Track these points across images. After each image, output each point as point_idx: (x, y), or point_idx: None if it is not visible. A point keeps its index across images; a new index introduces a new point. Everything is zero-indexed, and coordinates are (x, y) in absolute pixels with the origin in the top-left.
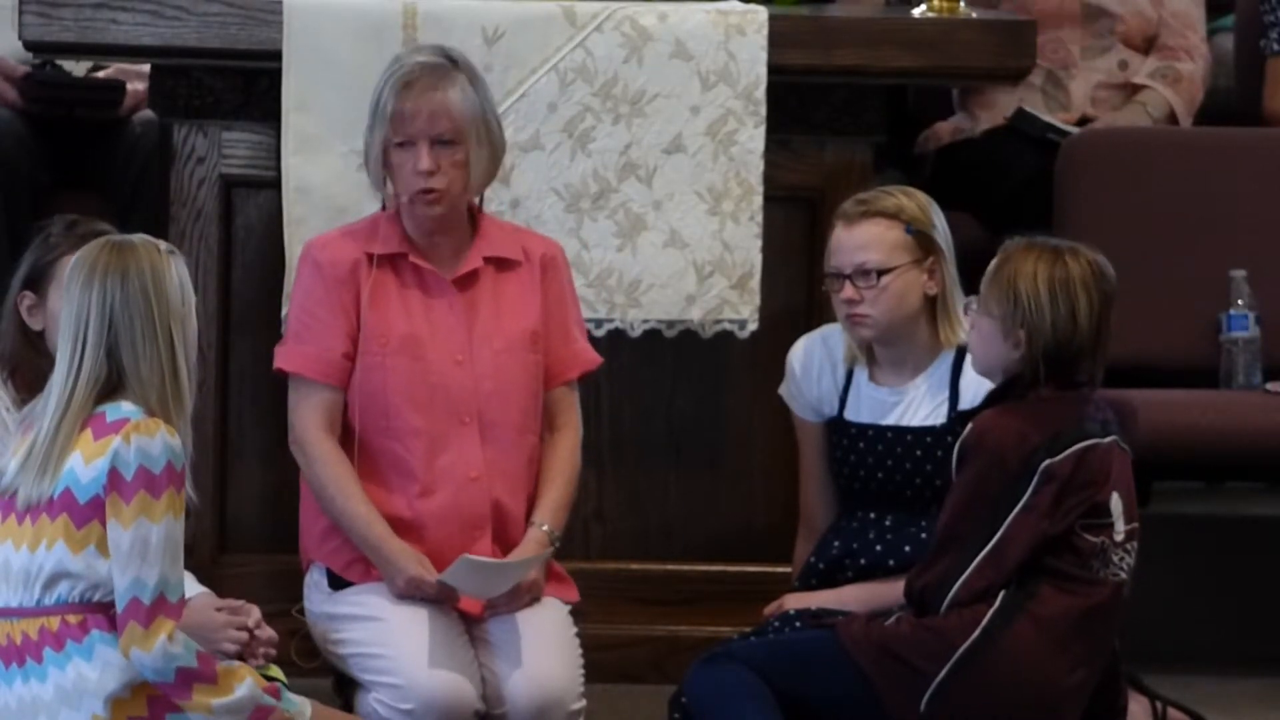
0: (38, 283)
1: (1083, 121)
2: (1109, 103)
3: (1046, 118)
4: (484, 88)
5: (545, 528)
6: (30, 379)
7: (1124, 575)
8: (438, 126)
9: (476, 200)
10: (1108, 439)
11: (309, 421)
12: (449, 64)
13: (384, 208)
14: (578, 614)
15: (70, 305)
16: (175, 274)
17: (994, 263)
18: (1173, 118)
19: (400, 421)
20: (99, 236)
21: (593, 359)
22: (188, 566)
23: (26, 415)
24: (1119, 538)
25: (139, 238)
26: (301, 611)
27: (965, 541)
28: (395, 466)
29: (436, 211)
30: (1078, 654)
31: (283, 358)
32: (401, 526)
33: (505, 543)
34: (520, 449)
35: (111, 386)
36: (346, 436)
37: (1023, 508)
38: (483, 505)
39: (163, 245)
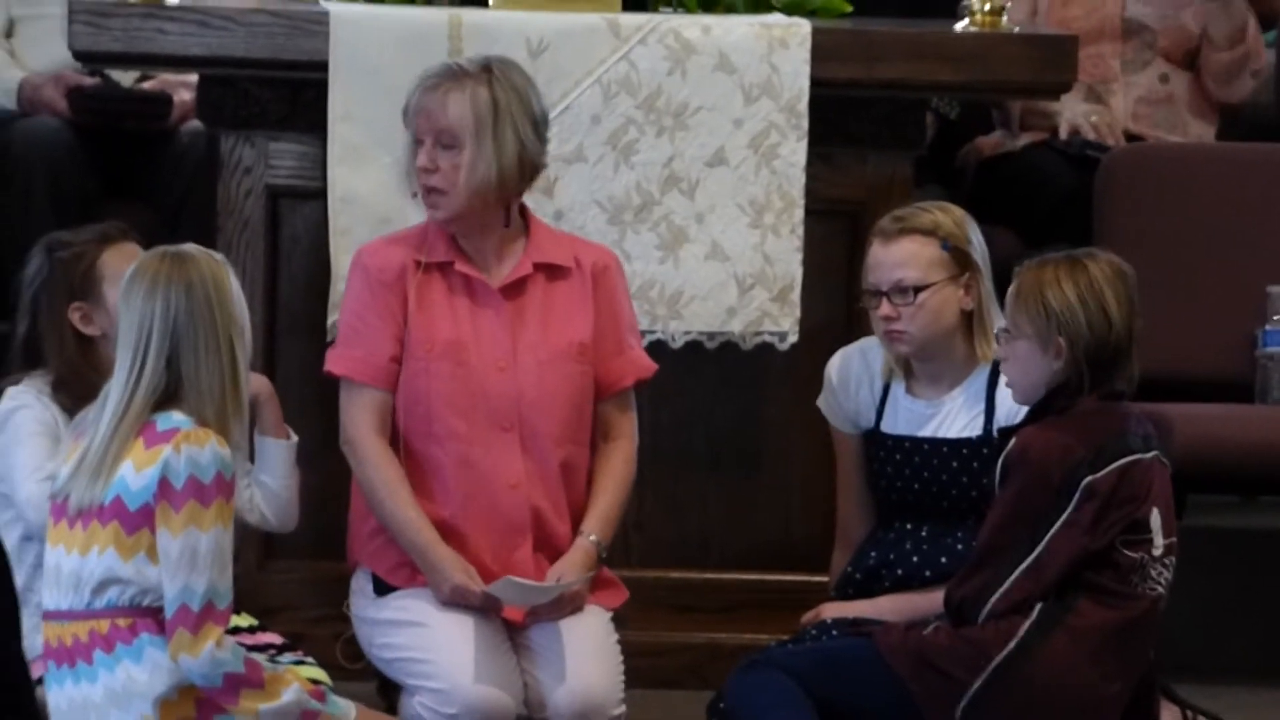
0: (84, 291)
1: (1126, 135)
2: (1150, 118)
3: (1088, 132)
4: (515, 97)
5: (593, 538)
6: (78, 391)
7: (1161, 589)
8: (437, 126)
9: (515, 205)
10: (1150, 454)
11: (359, 422)
12: (470, 70)
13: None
14: (618, 621)
15: (131, 315)
16: (234, 284)
17: (1013, 286)
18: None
19: (442, 426)
20: (104, 238)
21: (648, 366)
22: (234, 573)
23: (79, 423)
24: (1158, 552)
25: (194, 248)
26: (348, 609)
27: (1005, 554)
28: (437, 471)
29: (438, 214)
30: (1114, 667)
31: (332, 361)
32: (443, 531)
33: (547, 549)
34: (560, 460)
35: (167, 396)
36: (392, 440)
37: (1064, 523)
38: (522, 513)
39: (218, 256)
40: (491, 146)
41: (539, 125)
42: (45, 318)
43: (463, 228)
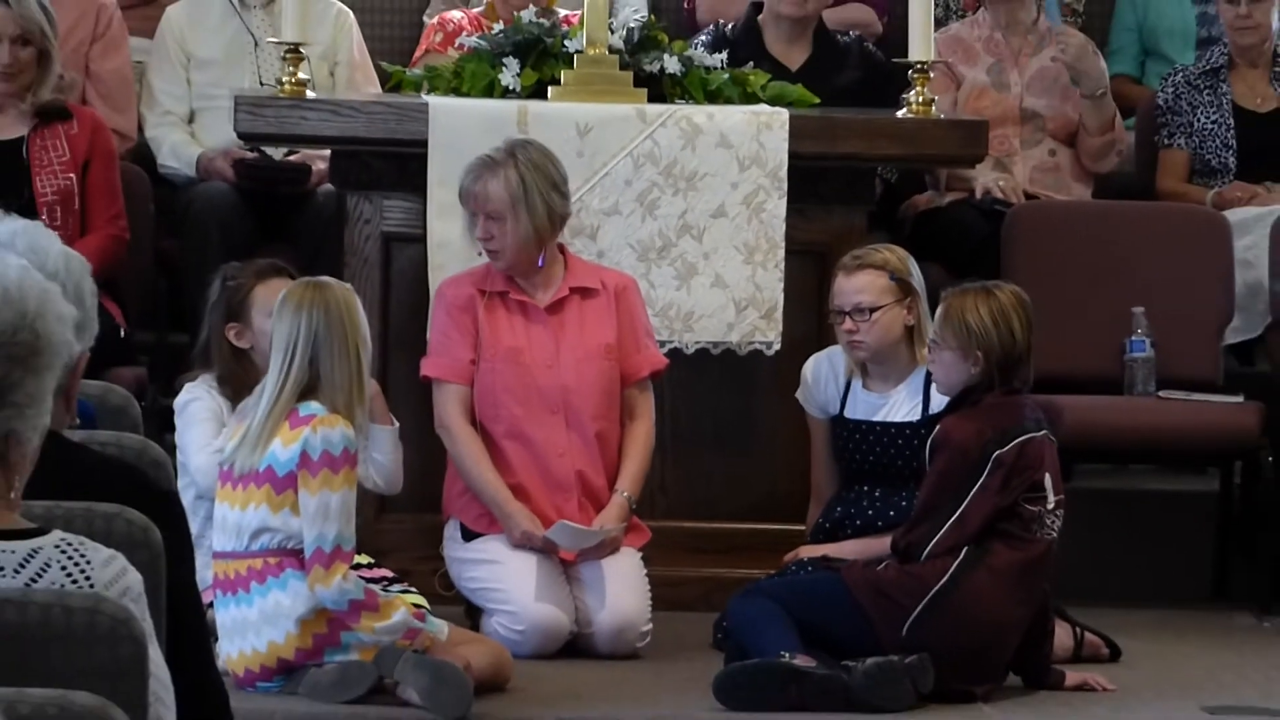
0: (238, 314)
1: (1025, 195)
2: (1043, 182)
3: (996, 193)
4: (535, 173)
5: (626, 494)
6: (234, 387)
7: (1054, 534)
8: (484, 207)
9: (554, 245)
10: (1041, 433)
11: (450, 411)
12: (499, 158)
13: None
14: (647, 560)
15: (283, 326)
16: (359, 306)
17: (940, 309)
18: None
19: (505, 412)
20: (263, 272)
21: (660, 360)
22: (356, 524)
23: (241, 409)
24: (1050, 506)
25: (329, 279)
26: (442, 550)
27: (937, 511)
28: (503, 445)
29: (499, 264)
30: (1020, 595)
31: (427, 367)
32: (512, 491)
33: (591, 502)
34: (596, 432)
35: (308, 389)
36: (472, 422)
37: (980, 487)
38: (569, 475)
39: (347, 285)
40: (525, 213)
41: (559, 187)
42: (213, 332)
43: (517, 270)
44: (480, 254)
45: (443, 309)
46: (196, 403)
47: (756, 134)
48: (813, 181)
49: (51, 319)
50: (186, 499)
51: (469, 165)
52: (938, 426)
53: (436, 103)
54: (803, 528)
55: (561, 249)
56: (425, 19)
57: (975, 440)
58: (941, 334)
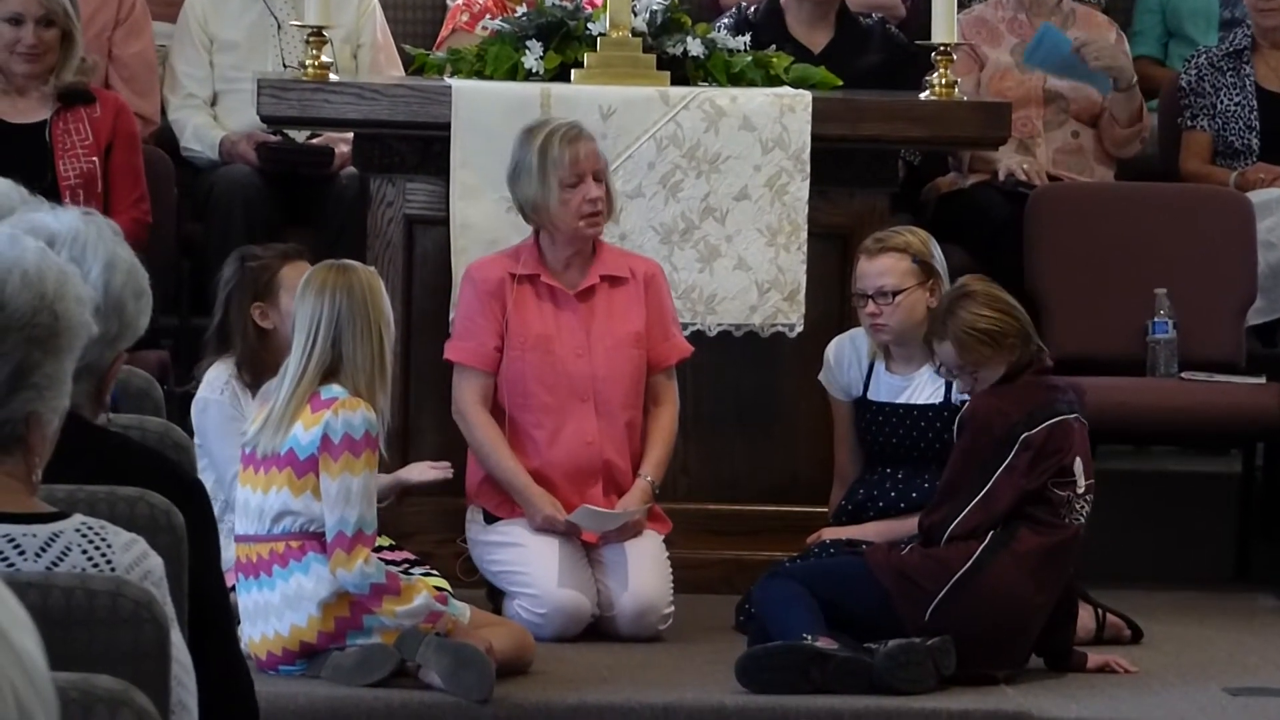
0: (263, 295)
1: (1048, 177)
2: (1066, 164)
3: (1019, 175)
4: None
5: (649, 479)
6: (256, 370)
7: (1083, 520)
8: (596, 164)
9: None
10: (1071, 415)
11: (468, 397)
12: (582, 127)
13: (537, 235)
14: (669, 542)
15: (306, 308)
16: (382, 289)
17: (950, 344)
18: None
19: (535, 400)
20: (285, 255)
21: (686, 349)
22: (379, 507)
23: (264, 392)
24: (1080, 490)
25: (352, 262)
26: (464, 540)
27: (962, 492)
28: (531, 432)
29: (598, 230)
30: (1045, 580)
31: (450, 351)
32: (536, 477)
33: (616, 489)
34: (625, 421)
35: (330, 371)
36: (496, 411)
37: (1006, 468)
38: (596, 462)
39: (370, 267)
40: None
41: None
42: (235, 312)
43: (579, 241)
44: (580, 225)
45: (471, 292)
46: (215, 407)
47: (779, 116)
48: (835, 164)
49: (71, 301)
50: (206, 483)
51: (552, 130)
52: (967, 403)
53: (460, 85)
54: (825, 510)
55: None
56: (449, 1)
57: (1001, 420)
58: (970, 360)
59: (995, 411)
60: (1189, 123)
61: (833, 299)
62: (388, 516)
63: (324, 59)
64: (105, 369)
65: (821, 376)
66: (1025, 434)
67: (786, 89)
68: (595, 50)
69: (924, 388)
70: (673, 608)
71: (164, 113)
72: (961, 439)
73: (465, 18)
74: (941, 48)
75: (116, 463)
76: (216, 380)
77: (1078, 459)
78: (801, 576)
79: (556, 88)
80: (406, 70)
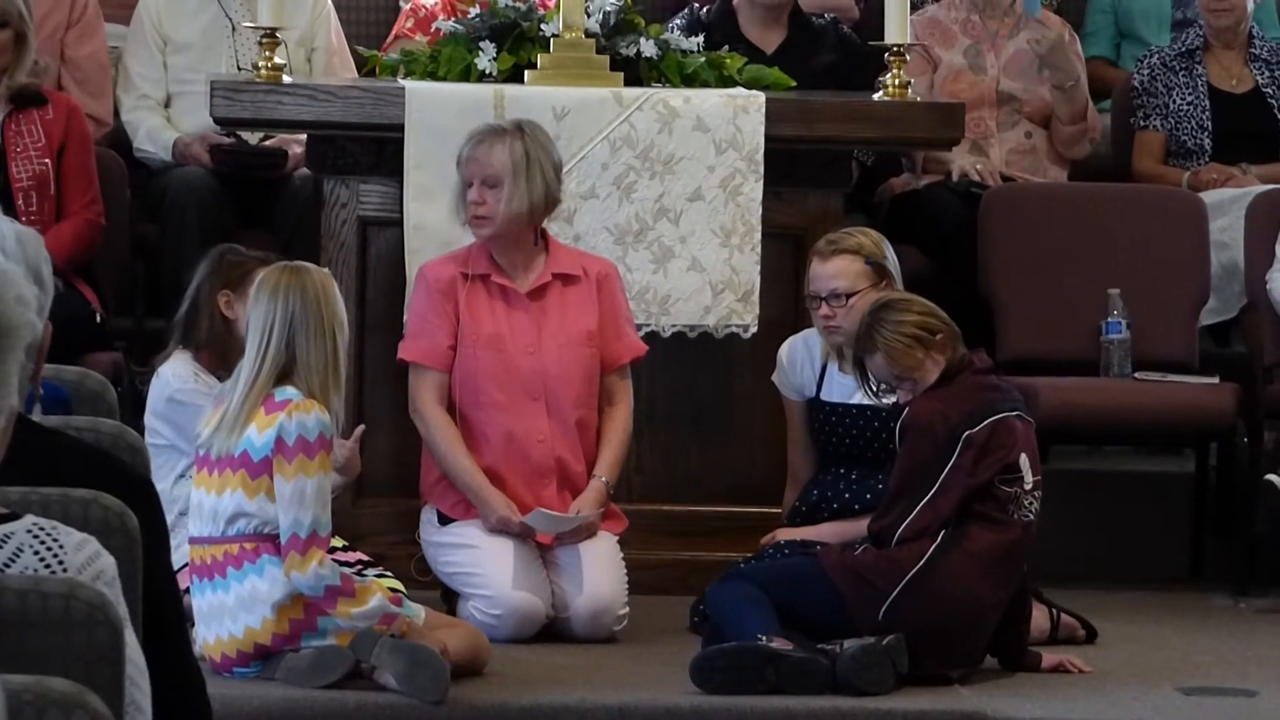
0: (235, 285)
1: (1001, 178)
2: (1019, 164)
3: (973, 175)
4: (540, 149)
5: (604, 479)
6: (216, 355)
7: (1032, 516)
8: (484, 171)
9: (539, 229)
10: (1014, 413)
11: (425, 396)
12: (508, 128)
13: None
14: (623, 543)
15: (259, 309)
16: (336, 290)
17: (880, 357)
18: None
19: (487, 398)
20: (265, 259)
21: (640, 348)
22: (333, 508)
23: (219, 394)
24: (1028, 487)
25: (306, 264)
26: (418, 535)
27: (910, 494)
28: (483, 431)
29: (484, 232)
30: (998, 578)
31: (404, 350)
32: (489, 475)
33: (570, 487)
34: (576, 419)
35: (284, 373)
36: (450, 409)
37: (951, 468)
38: (548, 461)
39: (324, 269)
40: (524, 185)
41: (558, 170)
42: (203, 299)
43: (499, 245)
44: (464, 224)
45: (423, 291)
46: (189, 387)
47: (733, 117)
48: (789, 164)
49: (11, 301)
50: (162, 486)
51: (473, 132)
52: (905, 410)
53: (413, 87)
54: (779, 511)
55: (544, 234)
56: (401, 3)
57: (942, 421)
58: (903, 366)
59: (935, 414)
60: (1142, 123)
61: (787, 300)
62: (342, 518)
63: (277, 60)
64: (39, 342)
65: (775, 377)
66: (967, 432)
67: (740, 90)
68: (549, 51)
69: None
70: (627, 609)
71: (117, 114)
72: (904, 444)
73: (410, 24)
74: (895, 48)
75: (66, 464)
76: (184, 372)
77: (1023, 455)
78: (756, 577)
79: (510, 89)
80: (359, 72)
